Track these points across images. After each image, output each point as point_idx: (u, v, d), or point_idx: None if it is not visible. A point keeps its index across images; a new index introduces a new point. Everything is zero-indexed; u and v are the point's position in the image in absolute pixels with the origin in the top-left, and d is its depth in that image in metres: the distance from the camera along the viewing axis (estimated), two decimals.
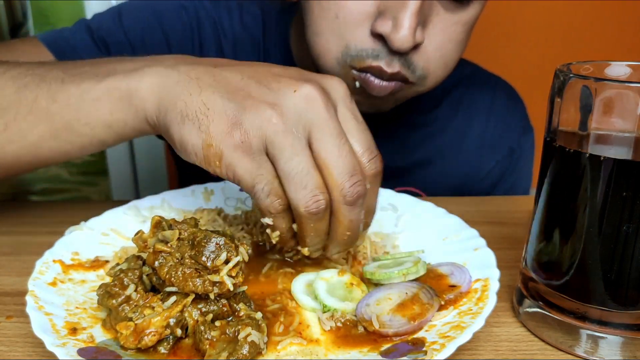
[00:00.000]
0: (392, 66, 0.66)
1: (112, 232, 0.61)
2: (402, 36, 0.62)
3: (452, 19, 0.67)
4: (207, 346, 0.42)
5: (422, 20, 0.64)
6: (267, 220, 0.48)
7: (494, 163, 0.95)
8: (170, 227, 0.47)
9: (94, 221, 0.61)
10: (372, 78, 0.67)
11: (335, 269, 0.53)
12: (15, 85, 0.54)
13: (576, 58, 0.51)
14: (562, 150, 0.44)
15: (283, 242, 0.51)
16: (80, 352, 0.41)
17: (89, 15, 1.80)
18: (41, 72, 0.54)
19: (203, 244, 0.44)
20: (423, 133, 0.92)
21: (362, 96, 0.71)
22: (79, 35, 0.83)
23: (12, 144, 0.54)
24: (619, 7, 1.77)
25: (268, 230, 0.50)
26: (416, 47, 0.66)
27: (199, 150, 0.46)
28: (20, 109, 0.53)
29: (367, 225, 0.52)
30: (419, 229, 0.63)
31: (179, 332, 0.44)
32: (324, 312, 0.48)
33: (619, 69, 0.47)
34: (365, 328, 0.46)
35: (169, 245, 0.46)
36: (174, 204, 0.68)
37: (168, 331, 0.43)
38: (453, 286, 0.50)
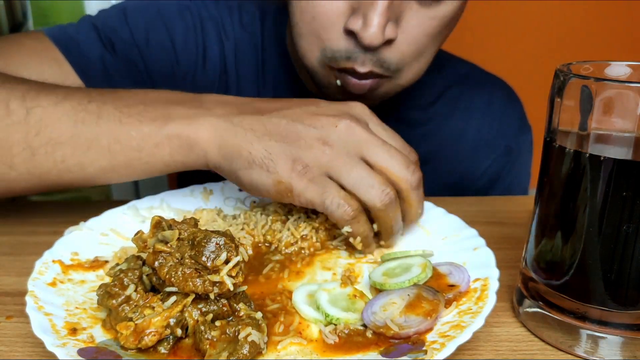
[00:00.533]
0: (365, 66, 0.68)
1: (112, 233, 0.61)
2: (370, 33, 0.63)
3: (427, 14, 0.68)
4: (208, 346, 0.42)
5: (394, 16, 0.66)
6: (346, 229, 0.55)
7: (490, 162, 0.94)
8: (170, 227, 0.47)
9: (93, 221, 0.61)
10: (350, 78, 0.71)
11: (337, 281, 0.53)
12: (72, 121, 0.57)
13: (576, 58, 0.51)
14: (562, 150, 0.44)
15: (366, 245, 0.58)
16: (81, 352, 0.41)
17: None
18: (94, 109, 0.57)
19: (203, 244, 0.44)
20: (419, 131, 0.92)
21: (344, 94, 0.74)
22: (85, 33, 0.83)
23: (70, 174, 0.58)
24: (619, 7, 1.77)
25: (351, 239, 0.57)
26: (388, 42, 0.67)
27: (270, 188, 0.55)
28: (78, 145, 0.57)
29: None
30: (418, 229, 0.63)
31: (179, 332, 0.44)
32: (327, 324, 0.48)
33: (619, 69, 0.47)
34: (377, 334, 0.46)
35: (168, 245, 0.46)
36: (173, 204, 0.68)
37: (168, 331, 0.43)
38: (452, 286, 0.50)
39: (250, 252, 0.58)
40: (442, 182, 0.93)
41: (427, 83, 0.92)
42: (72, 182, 0.59)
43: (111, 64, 0.83)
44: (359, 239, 0.56)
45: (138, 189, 1.96)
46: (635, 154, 0.41)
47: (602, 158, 0.41)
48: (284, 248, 0.59)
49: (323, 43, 0.69)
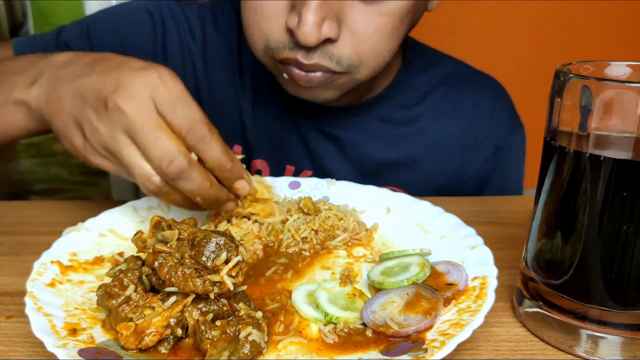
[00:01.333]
0: (309, 58, 0.68)
1: (110, 233, 0.61)
2: (303, 31, 0.63)
3: (373, 10, 0.67)
4: (208, 346, 0.42)
5: (333, 14, 0.65)
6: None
7: (481, 163, 0.93)
8: (169, 227, 0.47)
9: (91, 222, 0.61)
10: (294, 70, 0.70)
11: (336, 280, 0.53)
12: None
13: (576, 58, 0.51)
14: (562, 150, 0.44)
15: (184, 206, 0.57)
16: (81, 352, 0.41)
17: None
18: None
19: (203, 244, 0.44)
20: (405, 131, 0.91)
21: (294, 86, 0.74)
22: (46, 43, 0.87)
23: None
24: (619, 7, 1.77)
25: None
26: (330, 41, 0.67)
27: (76, 155, 0.57)
28: None
29: (234, 172, 0.57)
30: (416, 228, 0.63)
31: (179, 332, 0.44)
32: (326, 323, 0.48)
33: (619, 69, 0.47)
34: (377, 332, 0.46)
35: (168, 245, 0.46)
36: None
37: (168, 331, 0.43)
38: (450, 284, 0.50)
39: (261, 254, 0.59)
40: (430, 184, 0.92)
41: (412, 82, 0.91)
42: None
43: None
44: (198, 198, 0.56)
45: (138, 190, 1.96)
46: (635, 154, 0.41)
47: (602, 158, 0.41)
48: (285, 249, 0.59)
49: (265, 35, 0.69)
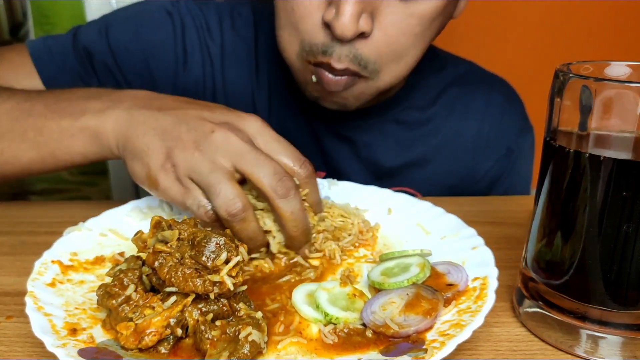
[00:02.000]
0: (341, 62, 0.69)
1: (111, 233, 0.61)
2: (342, 22, 0.64)
3: (405, 11, 0.67)
4: (208, 346, 0.42)
5: (370, 8, 0.66)
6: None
7: (491, 164, 0.94)
8: (169, 227, 0.47)
9: (92, 222, 0.61)
10: (325, 73, 0.71)
11: (336, 280, 0.53)
12: (9, 118, 0.66)
13: (576, 58, 0.51)
14: (562, 150, 0.44)
15: (252, 246, 0.57)
16: (81, 352, 0.41)
17: (88, 15, 1.80)
18: (27, 107, 0.66)
19: (203, 244, 0.44)
20: (418, 132, 0.92)
21: (319, 91, 0.75)
22: (61, 45, 0.87)
23: (8, 165, 0.67)
24: (619, 7, 1.77)
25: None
26: (363, 36, 0.67)
27: (144, 178, 0.57)
28: (13, 138, 0.65)
29: (318, 214, 0.61)
30: (417, 228, 0.63)
31: (179, 332, 0.44)
32: (326, 323, 0.48)
33: (619, 69, 0.47)
34: (377, 333, 0.46)
35: (168, 245, 0.46)
36: (172, 204, 0.67)
37: (168, 331, 0.43)
38: (450, 285, 0.50)
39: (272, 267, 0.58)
40: (442, 184, 0.93)
41: (425, 83, 0.92)
42: (12, 173, 0.68)
43: (83, 75, 0.86)
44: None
45: (138, 189, 1.96)
46: (635, 154, 0.41)
47: (602, 158, 0.41)
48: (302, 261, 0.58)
49: (301, 35, 0.70)
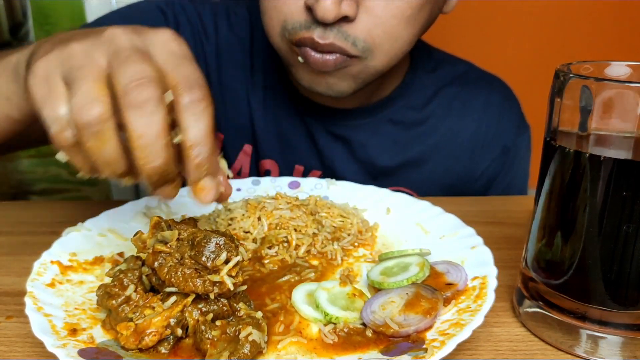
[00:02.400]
0: (325, 37, 0.67)
1: (110, 233, 0.61)
2: (322, 5, 0.63)
3: None
4: (208, 346, 0.42)
5: None
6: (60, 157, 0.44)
7: (487, 163, 0.94)
8: (169, 228, 0.47)
9: (91, 222, 0.61)
10: (310, 52, 0.69)
11: (336, 280, 0.53)
12: None
13: (576, 58, 0.51)
14: (562, 150, 0.44)
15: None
16: (81, 352, 0.41)
17: (88, 15, 1.80)
18: None
19: (203, 244, 0.44)
20: (415, 132, 0.91)
21: (308, 72, 0.73)
22: None
23: None
24: (619, 7, 1.77)
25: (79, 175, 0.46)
26: (348, 20, 0.66)
27: (28, 88, 0.45)
28: None
29: (210, 164, 0.44)
30: (416, 228, 0.63)
31: (179, 332, 0.44)
32: (326, 323, 0.48)
33: (619, 69, 0.47)
34: (377, 332, 0.46)
35: (168, 245, 0.46)
36: (170, 204, 0.68)
37: (168, 331, 0.43)
38: (449, 284, 0.50)
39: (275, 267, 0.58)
40: (439, 184, 0.93)
41: (421, 83, 0.91)
42: None
43: None
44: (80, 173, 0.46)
45: (138, 190, 1.96)
46: (635, 154, 0.41)
47: (602, 158, 0.41)
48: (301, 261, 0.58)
49: (283, 16, 0.69)
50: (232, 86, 0.90)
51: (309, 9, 0.66)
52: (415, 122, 0.91)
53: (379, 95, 0.89)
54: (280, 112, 0.90)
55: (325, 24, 0.66)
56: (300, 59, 0.71)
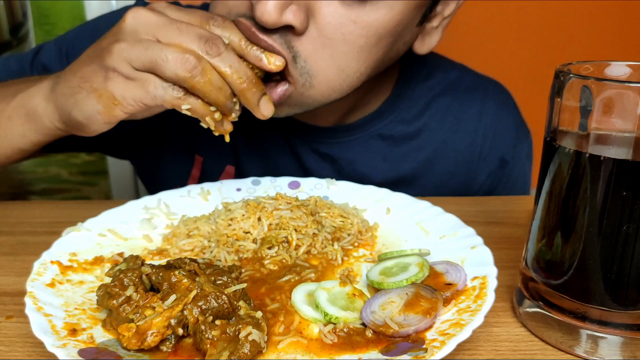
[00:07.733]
0: (265, 36, 0.59)
1: (109, 233, 0.61)
2: (261, 5, 0.56)
3: (348, 15, 0.60)
4: (208, 346, 0.42)
5: (304, 3, 0.58)
6: (185, 107, 0.56)
7: (484, 178, 0.89)
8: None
9: (91, 222, 0.61)
10: (253, 29, 0.61)
11: (336, 280, 0.53)
12: None
13: (576, 58, 0.51)
14: (562, 150, 0.44)
15: (216, 124, 0.59)
16: (81, 352, 0.41)
17: (89, 15, 1.80)
18: None
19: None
20: (407, 147, 0.87)
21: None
22: (22, 63, 0.88)
23: None
24: (619, 7, 1.77)
25: (202, 124, 0.59)
26: (294, 31, 0.59)
27: (97, 106, 0.57)
28: None
29: (257, 53, 0.58)
30: (416, 228, 0.63)
31: (180, 331, 0.44)
32: (326, 323, 0.47)
33: (619, 69, 0.47)
34: (377, 332, 0.45)
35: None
36: (170, 204, 0.68)
37: (170, 331, 0.43)
38: (449, 284, 0.50)
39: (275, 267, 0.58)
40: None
41: (412, 94, 0.87)
42: None
43: None
44: (208, 118, 0.58)
45: (137, 190, 1.96)
46: (635, 154, 0.41)
47: (602, 158, 0.41)
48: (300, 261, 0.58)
49: (229, 9, 0.62)
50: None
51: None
52: (407, 136, 0.87)
53: (367, 109, 0.84)
54: (262, 132, 0.86)
55: (265, 29, 0.59)
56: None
